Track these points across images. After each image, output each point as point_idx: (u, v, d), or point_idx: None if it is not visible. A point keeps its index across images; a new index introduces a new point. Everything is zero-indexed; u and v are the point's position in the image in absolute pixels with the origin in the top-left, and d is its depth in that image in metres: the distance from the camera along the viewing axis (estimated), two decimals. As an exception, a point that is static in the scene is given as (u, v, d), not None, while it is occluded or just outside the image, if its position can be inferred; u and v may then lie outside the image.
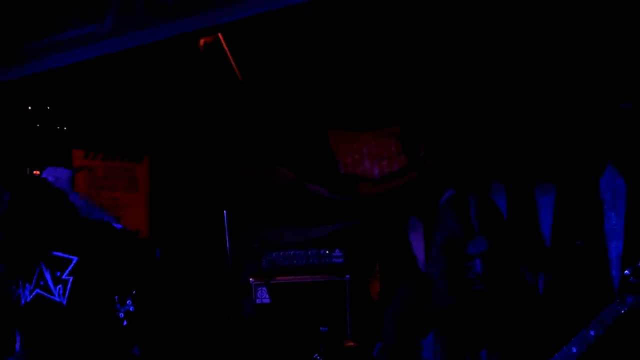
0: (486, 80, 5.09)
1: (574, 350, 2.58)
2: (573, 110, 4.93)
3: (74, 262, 3.00)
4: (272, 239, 5.61)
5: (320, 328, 4.92)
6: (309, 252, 5.49)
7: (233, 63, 5.28)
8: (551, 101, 5.00)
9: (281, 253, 5.48)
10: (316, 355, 4.47)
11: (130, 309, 3.05)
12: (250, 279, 5.38)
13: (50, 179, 3.30)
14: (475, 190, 2.82)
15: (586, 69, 4.73)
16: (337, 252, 5.47)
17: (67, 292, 2.98)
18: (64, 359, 3.00)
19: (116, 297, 3.05)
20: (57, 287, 2.99)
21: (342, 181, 5.75)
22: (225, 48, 5.16)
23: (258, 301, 5.36)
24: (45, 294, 3.01)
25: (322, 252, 5.47)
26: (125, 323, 3.04)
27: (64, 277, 2.99)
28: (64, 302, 2.99)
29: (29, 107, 4.94)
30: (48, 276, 3.01)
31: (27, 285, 3.05)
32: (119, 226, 3.30)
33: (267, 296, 5.37)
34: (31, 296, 3.03)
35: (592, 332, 2.56)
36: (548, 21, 4.64)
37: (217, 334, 5.56)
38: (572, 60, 4.75)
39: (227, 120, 5.63)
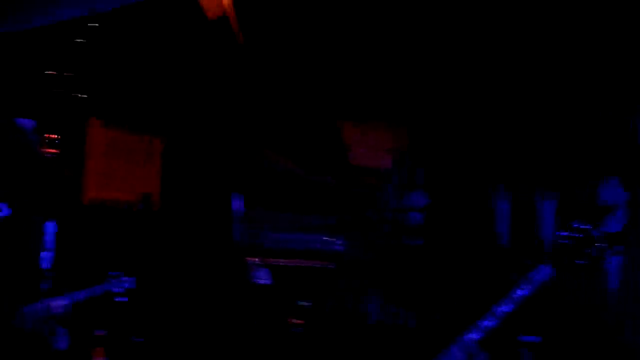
0: (490, 89, 5.08)
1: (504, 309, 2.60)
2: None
3: None
4: (277, 223, 5.72)
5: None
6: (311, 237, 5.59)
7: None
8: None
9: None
10: None
11: None
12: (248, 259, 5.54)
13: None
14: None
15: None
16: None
17: None
18: None
19: None
20: None
21: (351, 172, 5.81)
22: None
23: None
24: None
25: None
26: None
27: None
28: None
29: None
30: None
31: None
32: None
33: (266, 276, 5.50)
34: None
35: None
36: (553, 23, 4.63)
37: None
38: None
39: (245, 110, 5.80)
